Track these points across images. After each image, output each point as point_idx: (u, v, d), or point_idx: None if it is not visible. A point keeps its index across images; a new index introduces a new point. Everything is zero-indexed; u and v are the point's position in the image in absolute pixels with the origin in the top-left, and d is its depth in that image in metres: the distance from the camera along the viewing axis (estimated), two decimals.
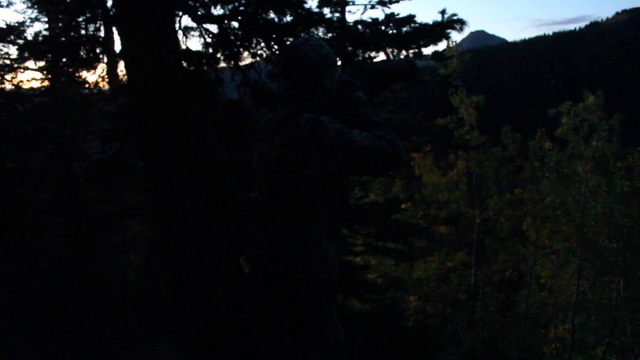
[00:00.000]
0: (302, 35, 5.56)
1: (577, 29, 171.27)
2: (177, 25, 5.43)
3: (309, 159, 1.83)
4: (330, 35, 5.68)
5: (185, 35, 5.84)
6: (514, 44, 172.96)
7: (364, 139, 1.83)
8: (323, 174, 1.85)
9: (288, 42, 5.57)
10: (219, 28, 5.66)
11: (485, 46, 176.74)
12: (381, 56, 6.13)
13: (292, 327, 1.96)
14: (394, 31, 6.04)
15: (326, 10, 6.06)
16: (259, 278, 2.00)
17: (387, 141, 1.85)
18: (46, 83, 7.83)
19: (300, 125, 1.86)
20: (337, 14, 6.09)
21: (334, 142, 1.81)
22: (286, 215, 1.91)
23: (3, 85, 7.87)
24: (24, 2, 7.54)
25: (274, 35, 5.54)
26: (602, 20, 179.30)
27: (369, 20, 6.16)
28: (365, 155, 1.82)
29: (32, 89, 7.90)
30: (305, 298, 1.92)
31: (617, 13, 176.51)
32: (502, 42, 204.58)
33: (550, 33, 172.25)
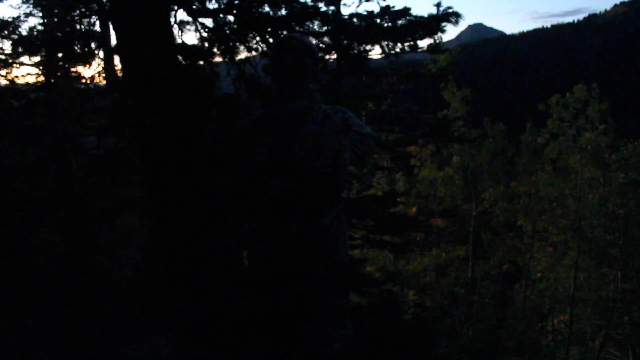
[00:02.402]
0: (297, 28, 5.55)
1: (576, 21, 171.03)
2: (172, 20, 5.41)
3: (343, 144, 1.97)
4: (325, 28, 5.67)
5: (180, 29, 5.83)
6: (513, 36, 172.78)
7: (367, 127, 2.12)
8: (351, 158, 2.05)
9: (283, 36, 5.56)
10: (214, 22, 5.64)
11: (483, 39, 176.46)
12: (376, 49, 6.12)
13: (318, 317, 1.98)
14: (389, 24, 6.03)
15: (321, 4, 6.04)
16: (286, 272, 2.01)
17: (374, 130, 2.18)
18: (41, 78, 7.80)
19: (330, 114, 1.98)
20: (332, 7, 6.08)
21: (356, 126, 2.04)
22: (322, 203, 1.97)
23: None
24: None
25: (269, 29, 5.53)
26: (600, 12, 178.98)
27: (364, 13, 6.16)
28: (368, 140, 2.09)
29: (27, 84, 7.87)
30: (338, 284, 2.00)
31: (615, 5, 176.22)
32: (501, 35, 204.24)
33: (549, 26, 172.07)
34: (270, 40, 5.60)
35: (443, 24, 5.94)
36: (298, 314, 2.04)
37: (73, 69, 7.75)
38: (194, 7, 5.55)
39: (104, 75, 7.70)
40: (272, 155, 1.97)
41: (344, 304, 2.04)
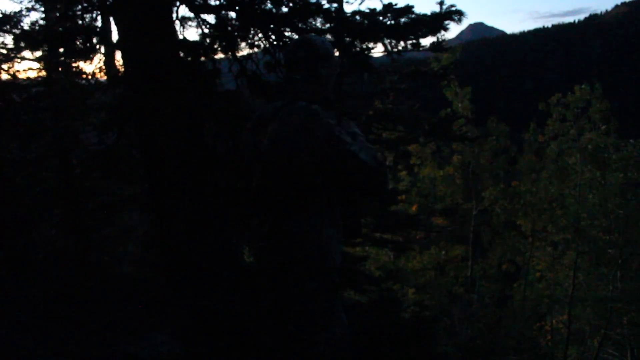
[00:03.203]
0: (300, 25, 5.55)
1: (576, 21, 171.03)
2: (174, 15, 5.40)
3: (298, 147, 1.80)
4: (328, 25, 5.65)
5: (182, 25, 5.81)
6: (514, 36, 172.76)
7: (354, 144, 1.80)
8: (314, 166, 1.81)
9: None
10: (216, 18, 5.63)
11: (484, 38, 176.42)
12: (379, 47, 6.11)
13: (298, 318, 1.96)
14: (392, 22, 6.02)
15: (324, 0, 6.03)
16: (263, 271, 2.00)
17: (374, 158, 1.82)
18: (43, 73, 7.79)
19: (293, 113, 1.87)
20: (334, 4, 6.05)
21: (324, 134, 1.78)
22: (285, 206, 1.89)
23: None
24: None
25: (271, 26, 5.52)
26: (601, 12, 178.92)
27: (367, 10, 6.14)
28: (352, 161, 1.77)
29: (28, 79, 7.87)
30: (311, 289, 1.91)
31: (617, 6, 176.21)
32: (501, 34, 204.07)
33: (549, 25, 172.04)
34: (273, 37, 5.59)
35: (446, 22, 5.94)
36: (274, 315, 2.03)
37: (74, 64, 7.75)
38: (196, 3, 5.54)
39: (105, 70, 7.69)
40: (250, 154, 1.99)
41: (328, 305, 1.97)
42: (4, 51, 7.58)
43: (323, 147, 1.78)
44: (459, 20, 6.02)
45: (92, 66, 7.62)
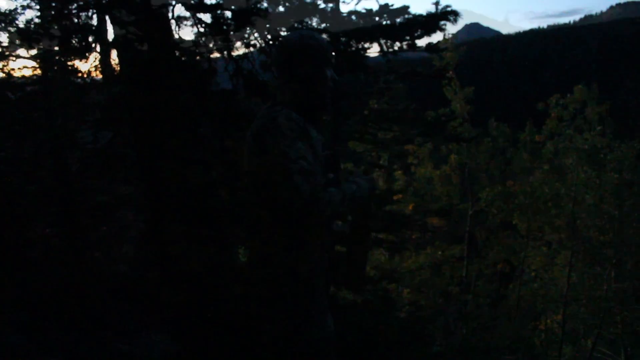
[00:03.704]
0: (296, 25, 5.55)
1: (572, 22, 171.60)
2: (170, 14, 5.40)
3: (251, 152, 1.82)
4: (324, 25, 5.67)
5: (178, 24, 5.82)
6: (509, 36, 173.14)
7: (296, 165, 1.70)
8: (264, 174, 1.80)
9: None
10: (212, 17, 5.63)
11: (480, 38, 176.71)
12: (375, 47, 6.13)
13: (277, 319, 1.96)
14: (388, 22, 6.04)
15: (320, 1, 6.03)
16: (250, 269, 2.02)
17: (310, 188, 1.69)
18: (38, 71, 7.76)
19: (259, 118, 1.87)
20: (330, 4, 6.06)
21: (270, 144, 1.74)
22: (261, 206, 1.89)
23: None
24: None
25: (267, 25, 5.53)
26: (596, 13, 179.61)
27: (363, 11, 6.16)
28: (283, 177, 1.70)
29: (23, 77, 7.84)
30: (285, 291, 1.91)
31: (612, 7, 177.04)
32: (497, 35, 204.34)
33: (545, 26, 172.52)
34: (268, 36, 5.60)
35: (442, 22, 5.95)
36: (255, 313, 2.03)
37: (70, 63, 7.72)
38: (191, 2, 5.53)
39: (100, 69, 7.67)
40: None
41: (305, 308, 1.96)
42: None
43: (267, 157, 1.76)
44: (455, 21, 6.04)
45: (88, 65, 7.61)
